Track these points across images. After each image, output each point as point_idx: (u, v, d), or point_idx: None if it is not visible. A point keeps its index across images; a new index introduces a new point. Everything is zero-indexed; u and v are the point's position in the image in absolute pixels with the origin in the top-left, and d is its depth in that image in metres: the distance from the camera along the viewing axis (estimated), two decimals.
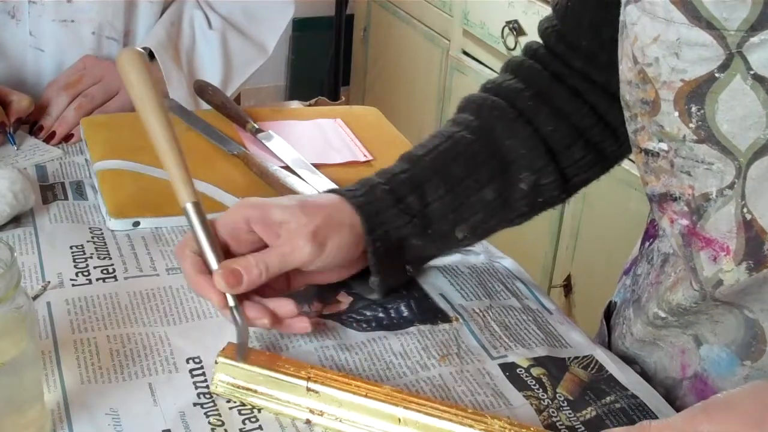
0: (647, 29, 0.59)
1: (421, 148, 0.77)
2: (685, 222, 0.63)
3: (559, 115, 0.78)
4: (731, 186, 0.59)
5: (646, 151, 0.64)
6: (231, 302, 0.66)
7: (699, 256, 0.63)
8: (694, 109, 0.58)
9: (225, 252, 0.68)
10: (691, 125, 0.59)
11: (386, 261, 0.74)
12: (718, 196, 0.60)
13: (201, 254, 0.67)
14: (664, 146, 0.62)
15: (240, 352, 0.64)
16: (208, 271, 0.67)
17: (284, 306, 0.68)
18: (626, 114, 0.66)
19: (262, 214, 0.69)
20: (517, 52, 2.22)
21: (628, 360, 0.75)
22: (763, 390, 0.52)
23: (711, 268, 0.62)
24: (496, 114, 0.78)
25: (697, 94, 0.58)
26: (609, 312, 0.84)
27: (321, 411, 0.62)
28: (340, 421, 0.62)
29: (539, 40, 0.81)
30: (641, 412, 0.66)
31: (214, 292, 0.66)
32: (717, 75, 0.56)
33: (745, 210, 0.59)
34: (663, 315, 0.70)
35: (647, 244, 0.79)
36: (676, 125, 0.60)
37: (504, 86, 0.80)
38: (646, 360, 0.75)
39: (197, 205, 0.67)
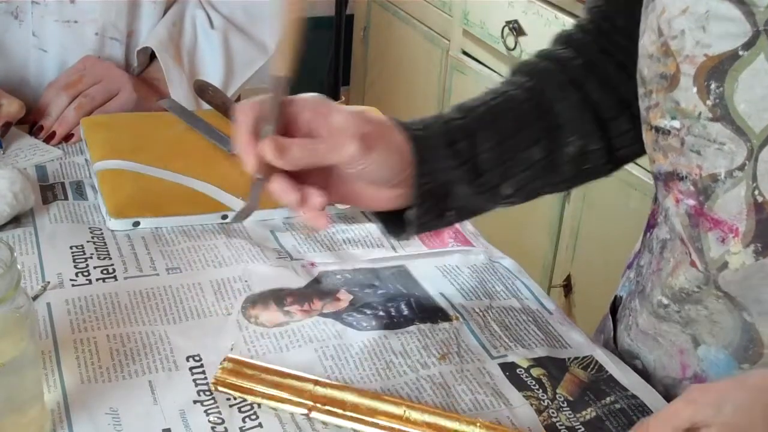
0: (677, 1, 0.59)
1: (475, 101, 0.77)
2: (691, 202, 0.63)
3: (607, 86, 0.78)
4: (741, 168, 0.59)
5: (657, 129, 0.64)
6: (258, 175, 0.66)
7: (707, 237, 0.63)
8: (713, 86, 0.58)
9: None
10: (708, 102, 0.59)
11: (429, 200, 0.73)
12: (726, 177, 0.60)
13: (261, 120, 0.67)
14: (676, 124, 0.62)
15: (240, 216, 0.69)
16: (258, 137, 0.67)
17: (315, 196, 0.67)
18: (640, 90, 0.66)
19: (326, 112, 0.69)
20: (517, 52, 2.22)
21: (632, 355, 0.75)
22: (744, 375, 0.54)
23: (718, 249, 0.62)
24: (547, 77, 0.78)
25: (718, 71, 0.58)
26: (615, 307, 0.84)
27: (324, 423, 0.63)
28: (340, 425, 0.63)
29: (582, 21, 0.82)
30: (641, 412, 0.66)
31: (254, 156, 0.66)
32: (741, 53, 0.57)
33: (756, 192, 0.59)
34: (666, 302, 0.70)
35: (648, 234, 0.78)
36: (693, 102, 0.60)
37: (555, 53, 0.80)
38: (647, 356, 0.75)
39: (287, 82, 0.67)
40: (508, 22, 2.01)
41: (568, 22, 1.82)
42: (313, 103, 0.69)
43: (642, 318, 0.75)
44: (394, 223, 0.74)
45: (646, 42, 0.64)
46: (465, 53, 2.27)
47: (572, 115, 0.76)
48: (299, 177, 0.69)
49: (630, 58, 0.77)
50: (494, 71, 2.14)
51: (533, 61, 0.80)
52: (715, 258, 0.63)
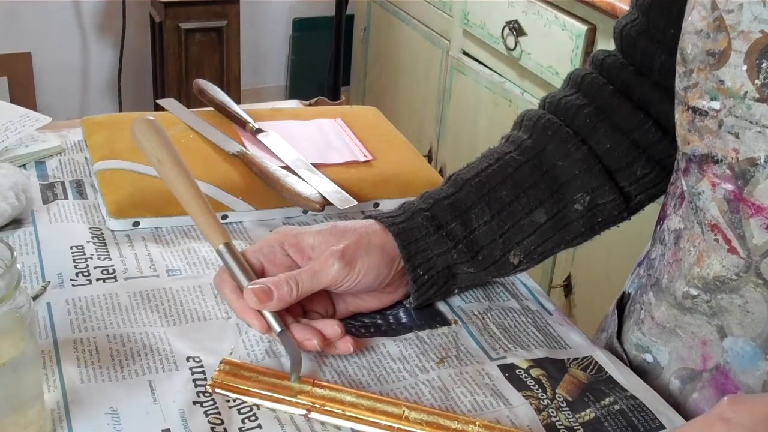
0: None
1: (470, 170, 0.77)
2: (729, 187, 0.63)
3: (619, 132, 0.77)
4: None
5: (695, 109, 0.64)
6: (277, 328, 0.66)
7: (749, 224, 0.62)
8: (765, 65, 0.58)
9: (261, 276, 0.69)
10: (756, 82, 0.59)
11: (433, 287, 0.74)
12: (767, 162, 0.60)
13: (237, 288, 0.69)
14: (715, 105, 0.62)
15: (294, 373, 0.66)
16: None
17: (330, 327, 0.68)
18: (680, 70, 0.66)
19: (296, 240, 0.71)
20: (517, 52, 2.21)
21: (641, 349, 0.75)
22: None
23: (762, 236, 0.62)
24: (550, 134, 0.78)
25: None
26: (622, 303, 0.84)
27: (322, 422, 0.63)
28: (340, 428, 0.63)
29: (604, 48, 0.80)
30: (640, 413, 0.66)
31: (255, 316, 0.67)
32: None
33: None
34: (695, 292, 0.68)
35: (659, 227, 0.78)
36: (740, 80, 0.60)
37: (563, 102, 0.80)
38: (661, 348, 0.74)
39: (228, 245, 0.69)
40: (508, 22, 2.01)
41: (568, 22, 1.82)
42: (280, 238, 0.71)
43: (659, 311, 0.73)
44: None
45: (695, 18, 0.63)
46: (465, 53, 2.27)
47: (576, 171, 0.76)
48: (305, 305, 0.71)
49: (656, 90, 0.77)
50: (494, 71, 2.14)
51: (536, 114, 0.80)
52: (759, 245, 0.62)
